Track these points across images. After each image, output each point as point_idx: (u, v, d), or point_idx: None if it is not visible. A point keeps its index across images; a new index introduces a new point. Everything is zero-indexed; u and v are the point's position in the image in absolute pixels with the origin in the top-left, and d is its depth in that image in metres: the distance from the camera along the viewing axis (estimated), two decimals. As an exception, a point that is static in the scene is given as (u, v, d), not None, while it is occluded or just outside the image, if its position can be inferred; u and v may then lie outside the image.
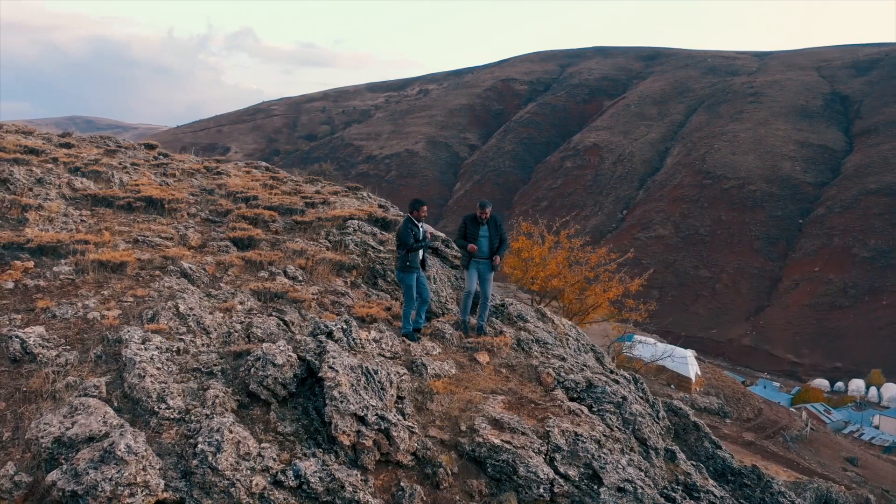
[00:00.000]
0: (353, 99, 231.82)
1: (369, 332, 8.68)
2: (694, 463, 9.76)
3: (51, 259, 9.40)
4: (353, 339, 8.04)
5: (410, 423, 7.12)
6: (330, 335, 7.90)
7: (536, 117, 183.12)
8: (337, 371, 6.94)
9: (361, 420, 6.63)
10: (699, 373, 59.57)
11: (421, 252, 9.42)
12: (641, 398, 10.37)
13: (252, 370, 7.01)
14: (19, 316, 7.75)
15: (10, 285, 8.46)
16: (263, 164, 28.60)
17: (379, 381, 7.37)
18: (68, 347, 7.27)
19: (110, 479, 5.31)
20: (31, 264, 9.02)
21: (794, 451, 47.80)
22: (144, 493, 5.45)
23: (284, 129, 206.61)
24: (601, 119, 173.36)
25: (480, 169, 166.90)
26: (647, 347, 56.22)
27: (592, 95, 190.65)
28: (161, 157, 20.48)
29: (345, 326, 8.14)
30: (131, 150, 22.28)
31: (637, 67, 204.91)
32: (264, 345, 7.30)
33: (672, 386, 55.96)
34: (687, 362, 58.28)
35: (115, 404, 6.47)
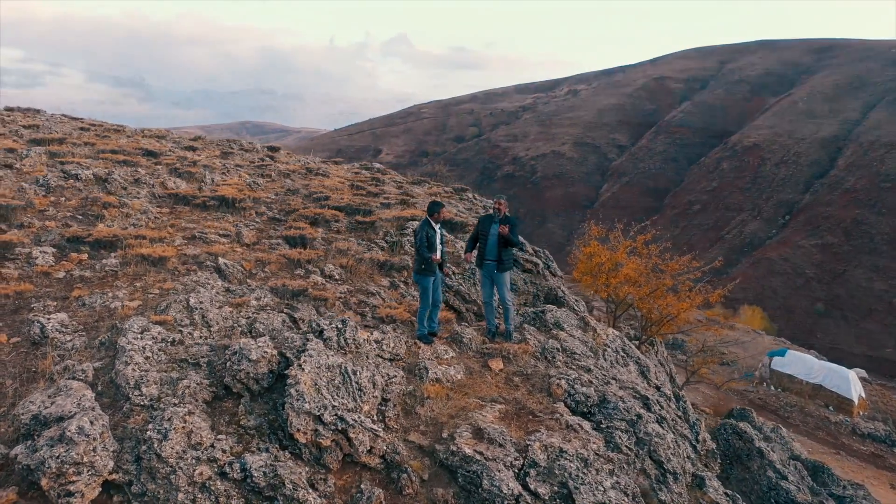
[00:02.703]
0: (501, 101, 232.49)
1: (371, 333, 8.66)
2: (729, 493, 8.82)
3: (107, 252, 10.27)
4: (346, 339, 8.06)
5: (376, 426, 7.01)
6: (320, 334, 7.98)
7: (691, 116, 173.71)
8: (303, 369, 6.98)
9: (319, 419, 6.63)
10: (863, 395, 53.72)
11: (439, 253, 9.27)
12: (680, 418, 9.52)
13: (228, 364, 7.24)
14: (54, 302, 8.54)
15: (61, 275, 9.35)
16: (377, 165, 29.59)
17: (357, 383, 7.33)
18: (83, 334, 7.90)
19: (57, 458, 5.70)
20: (84, 256, 9.92)
21: (978, 488, 41.83)
22: (90, 472, 5.80)
23: (434, 131, 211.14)
24: (763, 117, 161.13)
25: (629, 170, 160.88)
26: (804, 364, 51.44)
27: (754, 92, 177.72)
28: (268, 158, 21.75)
29: (339, 326, 8.18)
30: (251, 152, 23.88)
31: (806, 62, 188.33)
32: (242, 340, 7.51)
33: (830, 408, 50.84)
34: (849, 382, 52.77)
35: (100, 388, 6.94)
